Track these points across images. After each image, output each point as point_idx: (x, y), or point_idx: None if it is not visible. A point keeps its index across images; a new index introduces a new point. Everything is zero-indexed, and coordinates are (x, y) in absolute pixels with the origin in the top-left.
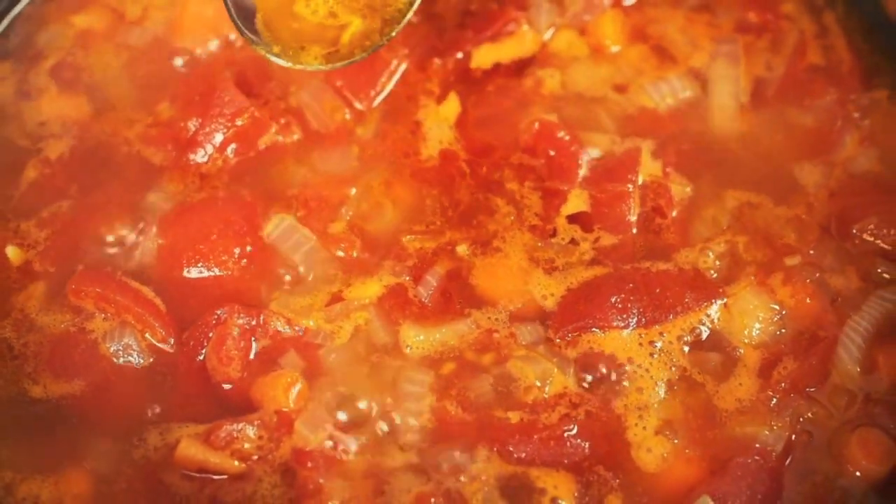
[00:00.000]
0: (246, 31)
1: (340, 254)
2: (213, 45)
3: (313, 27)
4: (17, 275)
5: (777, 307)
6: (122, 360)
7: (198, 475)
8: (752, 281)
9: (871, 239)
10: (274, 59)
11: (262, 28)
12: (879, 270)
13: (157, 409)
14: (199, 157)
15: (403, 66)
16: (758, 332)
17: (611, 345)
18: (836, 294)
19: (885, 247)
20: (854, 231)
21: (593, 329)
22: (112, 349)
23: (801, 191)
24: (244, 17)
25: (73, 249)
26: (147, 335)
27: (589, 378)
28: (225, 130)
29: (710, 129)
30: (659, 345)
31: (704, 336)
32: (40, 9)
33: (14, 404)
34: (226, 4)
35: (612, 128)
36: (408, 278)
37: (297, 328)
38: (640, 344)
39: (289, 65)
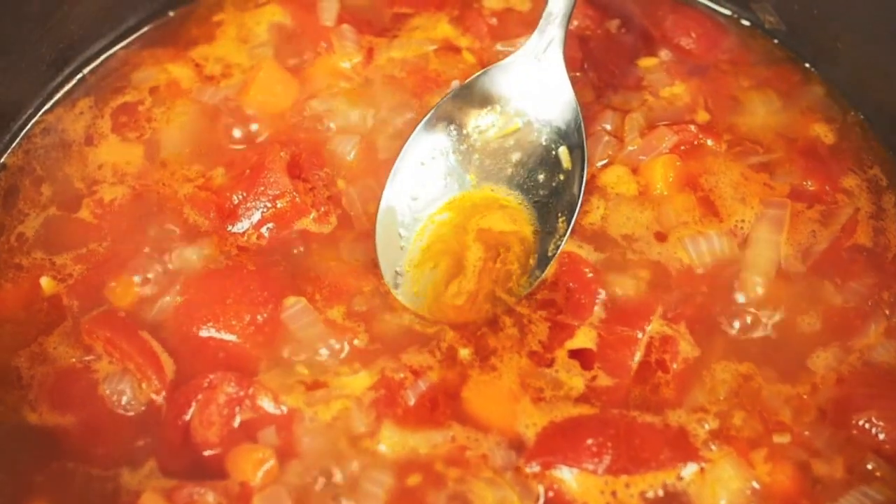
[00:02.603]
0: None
1: (345, 342)
2: (280, 118)
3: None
4: (46, 306)
5: (753, 482)
6: (115, 404)
7: None
8: (734, 451)
9: (871, 431)
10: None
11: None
12: (869, 466)
13: (137, 457)
14: (237, 228)
15: None
16: (725, 502)
17: (575, 486)
18: (817, 480)
19: (883, 443)
20: (853, 421)
21: (562, 466)
22: (108, 392)
23: (810, 371)
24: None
25: (99, 289)
26: (143, 385)
27: None
28: (264, 210)
29: (738, 294)
30: (620, 496)
31: (670, 496)
32: (135, 53)
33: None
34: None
35: (639, 273)
36: (402, 376)
37: (281, 406)
38: (602, 492)
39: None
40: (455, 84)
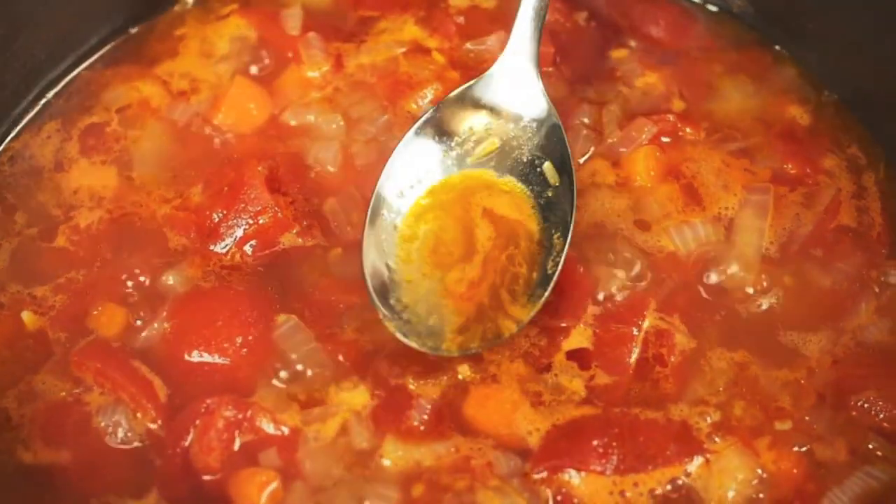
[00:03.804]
0: (380, 306)
1: (340, 358)
2: (253, 132)
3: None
4: (32, 342)
5: (759, 471)
6: (110, 435)
7: None
8: (738, 441)
9: (870, 411)
10: (406, 341)
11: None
12: (871, 446)
13: (138, 488)
14: (220, 248)
15: None
16: (734, 493)
17: (584, 488)
18: (821, 464)
19: (882, 422)
20: (852, 402)
21: (570, 469)
22: (103, 424)
23: (805, 355)
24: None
25: (82, 319)
26: (138, 415)
27: None
28: (246, 227)
29: (727, 281)
30: (629, 495)
31: (679, 491)
32: (100, 73)
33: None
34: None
35: (630, 267)
36: (400, 381)
37: (281, 427)
38: (611, 492)
39: (422, 349)
40: (427, 109)
